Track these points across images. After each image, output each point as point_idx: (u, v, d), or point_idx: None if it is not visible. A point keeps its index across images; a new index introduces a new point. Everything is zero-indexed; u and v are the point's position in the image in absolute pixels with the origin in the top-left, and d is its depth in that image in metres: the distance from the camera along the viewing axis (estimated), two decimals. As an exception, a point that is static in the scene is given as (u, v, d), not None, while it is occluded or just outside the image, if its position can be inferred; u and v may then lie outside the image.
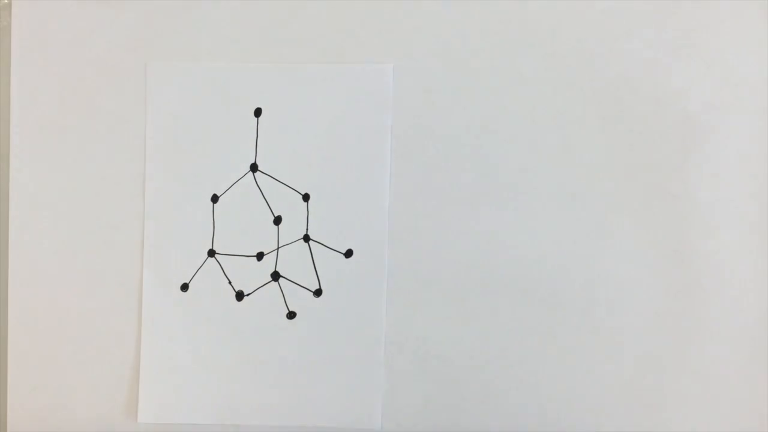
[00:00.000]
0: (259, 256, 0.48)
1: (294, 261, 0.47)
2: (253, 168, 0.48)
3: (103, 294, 0.48)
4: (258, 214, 0.48)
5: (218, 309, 0.47)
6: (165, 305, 0.48)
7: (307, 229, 0.47)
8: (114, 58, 0.48)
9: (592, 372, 0.46)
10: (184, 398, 0.47)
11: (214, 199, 0.48)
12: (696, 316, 0.46)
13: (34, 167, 0.48)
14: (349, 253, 0.47)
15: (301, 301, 0.47)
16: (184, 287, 0.48)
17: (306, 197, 0.47)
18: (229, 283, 0.48)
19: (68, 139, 0.48)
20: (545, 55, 0.47)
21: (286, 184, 0.48)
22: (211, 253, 0.48)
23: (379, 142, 0.47)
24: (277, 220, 0.48)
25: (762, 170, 0.46)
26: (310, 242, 0.47)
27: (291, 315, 0.47)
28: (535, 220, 0.46)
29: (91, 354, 0.48)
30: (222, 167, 0.48)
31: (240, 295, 0.48)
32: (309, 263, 0.47)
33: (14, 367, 0.48)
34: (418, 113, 0.47)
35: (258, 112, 0.48)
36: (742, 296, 0.46)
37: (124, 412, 0.48)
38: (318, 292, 0.47)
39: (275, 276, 0.47)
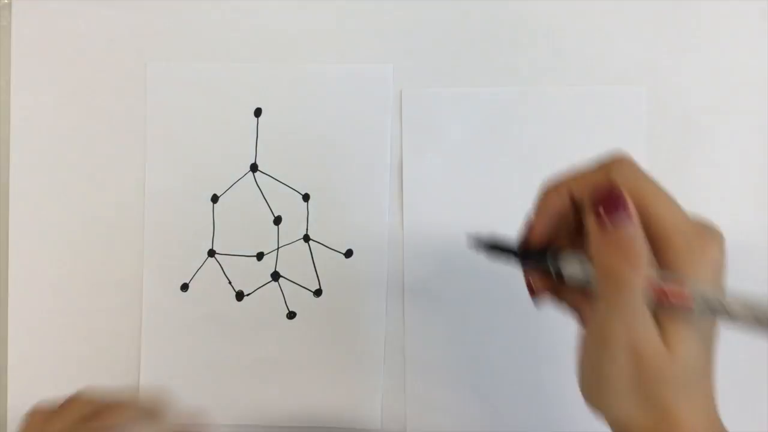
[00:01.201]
0: (259, 256, 0.48)
1: (294, 261, 0.47)
2: (253, 168, 0.48)
3: (103, 294, 0.48)
4: (258, 214, 0.48)
5: (218, 309, 0.47)
6: (165, 305, 0.47)
7: (307, 229, 0.47)
8: (114, 58, 0.48)
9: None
10: (184, 398, 0.47)
11: (214, 199, 0.48)
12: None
13: (34, 167, 0.48)
14: (349, 253, 0.47)
15: (301, 301, 0.47)
16: (184, 287, 0.48)
17: (306, 197, 0.47)
18: (229, 283, 0.48)
19: (68, 139, 0.48)
20: (545, 55, 0.47)
21: (286, 184, 0.48)
22: (211, 253, 0.48)
23: (379, 142, 0.47)
24: (277, 220, 0.48)
25: (762, 170, 0.46)
26: (310, 242, 0.47)
27: (291, 315, 0.47)
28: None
29: (92, 354, 0.48)
30: (222, 167, 0.48)
31: (240, 295, 0.48)
32: (309, 263, 0.47)
33: (14, 367, 0.48)
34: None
35: (258, 112, 0.48)
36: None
37: (124, 412, 0.48)
38: (318, 292, 0.47)
39: (275, 276, 0.47)
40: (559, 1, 0.47)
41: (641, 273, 0.27)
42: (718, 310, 0.26)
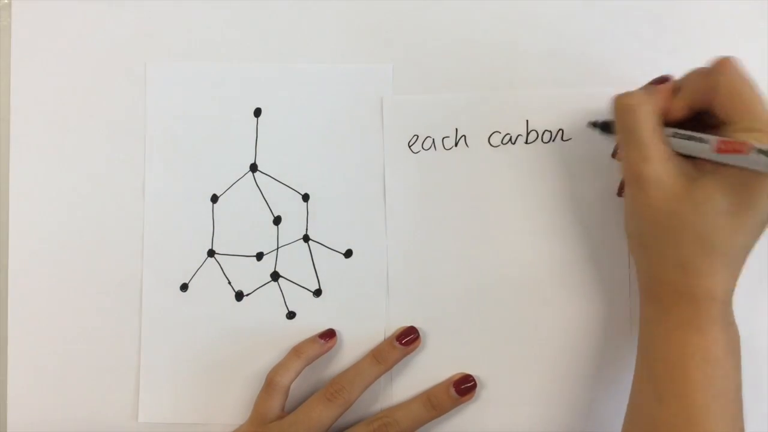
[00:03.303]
0: (259, 256, 0.48)
1: (294, 261, 0.47)
2: (253, 168, 0.48)
3: (103, 294, 0.48)
4: (258, 214, 0.48)
5: (218, 309, 0.47)
6: (165, 305, 0.47)
7: (306, 229, 0.47)
8: (114, 58, 0.48)
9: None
10: (184, 398, 0.47)
11: (214, 199, 0.48)
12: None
13: (34, 167, 0.48)
14: (348, 253, 0.47)
15: (300, 301, 0.47)
16: (184, 287, 0.48)
17: (306, 197, 0.47)
18: (229, 283, 0.48)
19: (68, 139, 0.48)
20: (546, 55, 0.47)
21: (285, 184, 0.48)
22: (211, 253, 0.48)
23: (379, 142, 0.47)
24: (277, 220, 0.48)
25: (762, 170, 0.46)
26: (310, 242, 0.47)
27: (291, 315, 0.47)
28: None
29: (91, 354, 0.48)
30: (222, 167, 0.48)
31: (240, 295, 0.48)
32: (309, 263, 0.47)
33: (14, 367, 0.48)
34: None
35: (258, 112, 0.48)
36: (742, 296, 0.45)
37: (124, 412, 0.48)
38: (318, 292, 0.47)
39: (275, 276, 0.47)
40: (560, 1, 0.47)
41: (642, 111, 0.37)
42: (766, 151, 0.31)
